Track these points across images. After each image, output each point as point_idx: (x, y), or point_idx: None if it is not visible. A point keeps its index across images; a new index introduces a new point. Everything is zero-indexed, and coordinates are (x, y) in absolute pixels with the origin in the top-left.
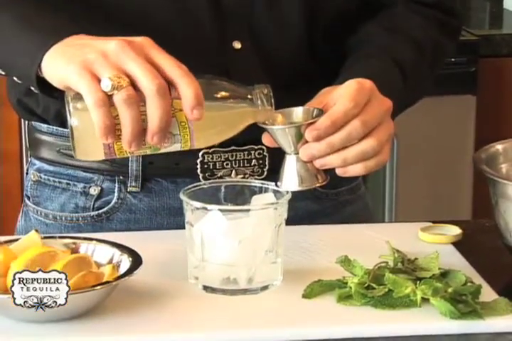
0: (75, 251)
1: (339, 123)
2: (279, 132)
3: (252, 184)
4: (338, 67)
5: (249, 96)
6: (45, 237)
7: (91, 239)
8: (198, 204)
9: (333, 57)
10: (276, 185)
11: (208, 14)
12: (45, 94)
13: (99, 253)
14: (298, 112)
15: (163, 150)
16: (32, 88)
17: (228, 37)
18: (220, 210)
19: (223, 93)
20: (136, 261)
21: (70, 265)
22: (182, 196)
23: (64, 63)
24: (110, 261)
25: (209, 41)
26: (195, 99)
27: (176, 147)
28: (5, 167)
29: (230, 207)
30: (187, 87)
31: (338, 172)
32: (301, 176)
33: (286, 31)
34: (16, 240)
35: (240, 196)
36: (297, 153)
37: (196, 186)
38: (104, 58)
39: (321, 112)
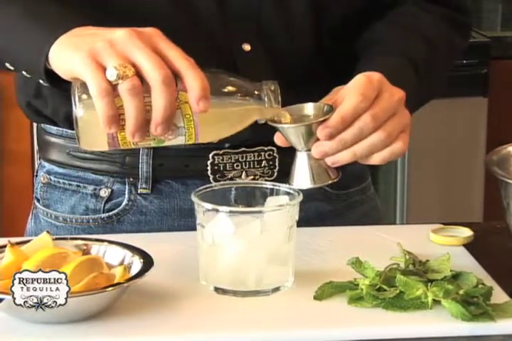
0: (86, 252)
1: (349, 120)
2: (290, 131)
3: (264, 185)
4: (347, 67)
5: (256, 93)
6: (57, 238)
7: (102, 241)
8: (209, 206)
9: (342, 56)
10: (288, 183)
11: (215, 17)
12: (54, 86)
13: (111, 254)
14: (308, 108)
15: (167, 143)
16: (41, 81)
17: (237, 39)
18: (231, 212)
19: (230, 88)
20: (148, 262)
21: (81, 266)
22: (193, 197)
23: (70, 53)
24: (121, 263)
25: (218, 44)
26: (202, 91)
27: (180, 140)
28: (16, 168)
29: (241, 208)
30: (193, 78)
31: (359, 161)
32: (313, 173)
33: (294, 32)
34: (28, 241)
35: (251, 197)
36: (309, 150)
37: (207, 188)
38: (110, 47)
39: (331, 108)
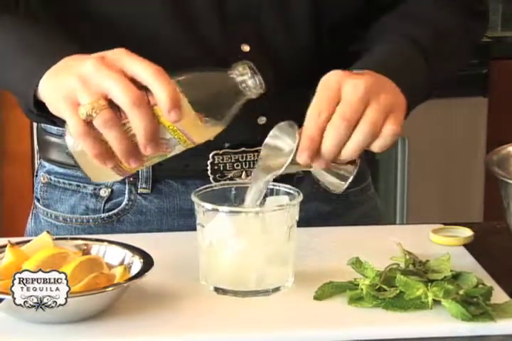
0: (86, 252)
1: (318, 134)
2: (284, 171)
3: None
4: (346, 66)
5: (231, 81)
6: (57, 238)
7: (102, 241)
8: (209, 206)
9: (342, 56)
10: (331, 191)
11: (214, 18)
12: (46, 118)
13: (111, 254)
14: (279, 136)
15: (170, 155)
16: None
17: (236, 40)
18: (231, 212)
19: (204, 86)
20: (148, 262)
21: (82, 266)
22: (193, 197)
23: (52, 94)
24: (121, 263)
25: (217, 45)
26: (170, 101)
27: (179, 148)
28: (16, 168)
29: (241, 208)
30: (160, 90)
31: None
32: (336, 175)
33: (293, 32)
34: (28, 241)
35: None
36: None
37: (207, 188)
38: (82, 84)
39: (293, 125)
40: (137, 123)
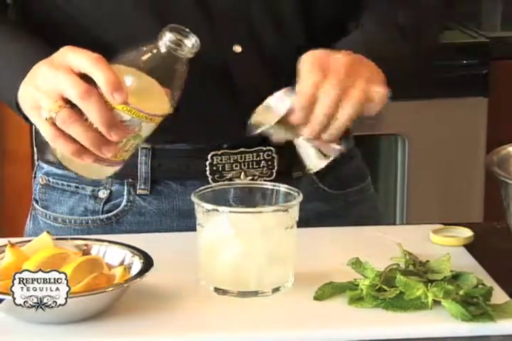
0: (86, 252)
1: (311, 97)
2: (271, 131)
3: (263, 186)
4: None
5: (160, 46)
6: (57, 239)
7: (102, 241)
8: (209, 206)
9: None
10: (306, 171)
11: (201, 20)
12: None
13: (111, 255)
14: (277, 99)
15: (144, 134)
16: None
17: (227, 41)
18: (231, 212)
19: (139, 62)
20: (148, 262)
21: (82, 267)
22: (193, 198)
23: (23, 105)
24: (122, 263)
25: (208, 46)
26: (110, 85)
27: (147, 126)
28: (16, 168)
29: (241, 208)
30: (99, 76)
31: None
32: (320, 151)
33: (285, 31)
34: (28, 241)
35: (250, 198)
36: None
37: (207, 188)
38: (37, 90)
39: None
40: (91, 114)
